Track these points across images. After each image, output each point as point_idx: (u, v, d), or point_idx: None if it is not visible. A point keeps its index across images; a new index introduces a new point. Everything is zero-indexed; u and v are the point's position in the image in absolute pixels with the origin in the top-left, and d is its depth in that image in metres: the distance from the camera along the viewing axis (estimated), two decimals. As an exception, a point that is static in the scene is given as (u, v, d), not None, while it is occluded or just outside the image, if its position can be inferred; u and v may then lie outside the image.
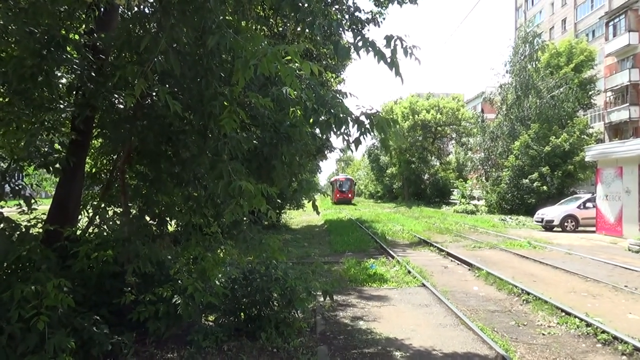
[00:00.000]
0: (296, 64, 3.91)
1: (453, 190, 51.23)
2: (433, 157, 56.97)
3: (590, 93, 41.81)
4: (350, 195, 63.14)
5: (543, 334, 7.29)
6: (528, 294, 9.40)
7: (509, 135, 37.86)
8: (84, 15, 6.31)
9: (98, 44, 5.97)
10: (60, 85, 6.14)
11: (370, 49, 4.56)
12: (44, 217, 6.51)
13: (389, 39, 4.51)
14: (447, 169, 54.66)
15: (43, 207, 7.10)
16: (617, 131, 43.68)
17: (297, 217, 31.93)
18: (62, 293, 4.89)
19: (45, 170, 6.03)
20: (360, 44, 4.59)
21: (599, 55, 44.13)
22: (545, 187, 31.46)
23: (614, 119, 43.45)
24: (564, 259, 14.34)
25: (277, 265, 6.92)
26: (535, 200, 31.23)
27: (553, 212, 24.14)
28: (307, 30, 5.17)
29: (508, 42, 45.92)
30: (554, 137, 32.45)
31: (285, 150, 5.68)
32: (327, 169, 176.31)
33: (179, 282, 6.07)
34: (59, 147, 6.22)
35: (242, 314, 6.84)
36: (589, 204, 23.19)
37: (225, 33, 3.71)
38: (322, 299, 7.51)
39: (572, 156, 31.68)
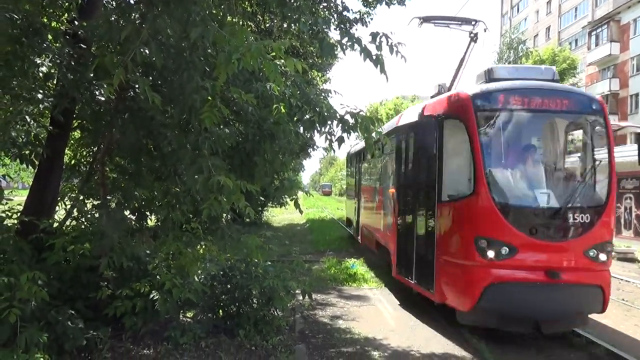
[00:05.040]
0: (281, 61, 3.88)
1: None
2: (416, 159, 57.13)
3: (572, 100, 42.51)
4: None
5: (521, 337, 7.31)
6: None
7: (492, 139, 38.13)
8: (66, 3, 6.19)
9: (80, 32, 5.86)
10: (40, 74, 6.02)
11: (356, 45, 4.55)
12: (20, 208, 6.37)
13: (374, 35, 4.51)
14: (430, 171, 54.88)
15: (20, 198, 6.96)
16: (597, 139, 44.49)
17: (279, 215, 31.83)
18: (36, 286, 4.78)
19: (18, 160, 5.90)
20: (345, 40, 4.59)
21: (581, 64, 44.86)
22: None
23: (594, 127, 44.25)
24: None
25: (257, 263, 6.86)
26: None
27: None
28: (293, 27, 5.15)
29: (493, 48, 46.36)
30: (536, 142, 32.86)
31: (268, 147, 5.64)
32: (311, 168, 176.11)
33: (157, 277, 5.98)
34: (35, 138, 6.09)
35: (220, 311, 6.77)
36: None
37: (209, 26, 3.66)
38: (300, 297, 7.49)
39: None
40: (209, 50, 5.25)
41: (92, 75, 5.60)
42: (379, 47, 4.49)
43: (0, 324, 4.58)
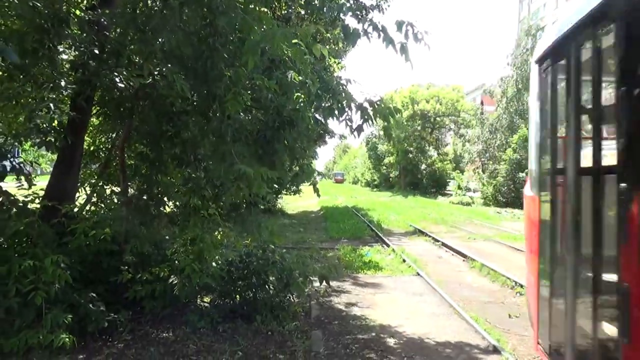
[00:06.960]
0: (302, 47, 3.87)
1: (449, 182, 51.30)
2: (431, 148, 56.88)
3: (590, 89, 41.73)
4: None
5: (535, 326, 7.27)
6: (521, 286, 9.45)
7: (508, 128, 37.81)
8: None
9: (102, 20, 5.89)
10: (62, 62, 6.07)
11: (382, 33, 4.52)
12: (42, 193, 6.48)
13: (400, 24, 4.48)
14: (445, 160, 54.62)
15: (39, 183, 7.08)
16: (616, 128, 43.74)
17: (293, 203, 31.94)
18: (59, 269, 4.90)
19: (43, 147, 5.99)
20: (367, 26, 4.56)
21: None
22: (542, 182, 31.26)
23: (612, 116, 43.49)
24: (557, 253, 14.37)
25: (274, 249, 6.92)
26: (532, 194, 30.87)
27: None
28: (315, 14, 5.12)
29: (510, 35, 45.64)
30: (552, 131, 32.39)
31: (287, 134, 5.65)
32: (324, 156, 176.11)
33: (176, 262, 6.08)
34: (58, 125, 6.16)
35: (237, 296, 6.86)
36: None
37: (236, 13, 3.67)
38: (317, 284, 7.54)
39: (570, 151, 31.64)
40: (231, 38, 5.25)
41: (111, 61, 5.63)
42: (406, 36, 4.45)
43: (26, 305, 4.71)
